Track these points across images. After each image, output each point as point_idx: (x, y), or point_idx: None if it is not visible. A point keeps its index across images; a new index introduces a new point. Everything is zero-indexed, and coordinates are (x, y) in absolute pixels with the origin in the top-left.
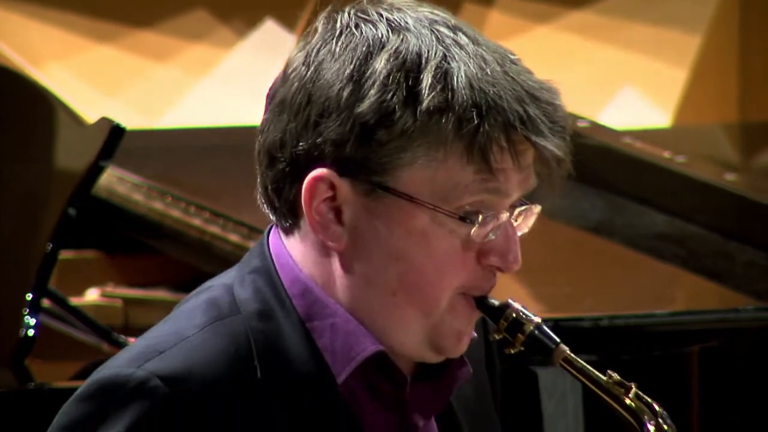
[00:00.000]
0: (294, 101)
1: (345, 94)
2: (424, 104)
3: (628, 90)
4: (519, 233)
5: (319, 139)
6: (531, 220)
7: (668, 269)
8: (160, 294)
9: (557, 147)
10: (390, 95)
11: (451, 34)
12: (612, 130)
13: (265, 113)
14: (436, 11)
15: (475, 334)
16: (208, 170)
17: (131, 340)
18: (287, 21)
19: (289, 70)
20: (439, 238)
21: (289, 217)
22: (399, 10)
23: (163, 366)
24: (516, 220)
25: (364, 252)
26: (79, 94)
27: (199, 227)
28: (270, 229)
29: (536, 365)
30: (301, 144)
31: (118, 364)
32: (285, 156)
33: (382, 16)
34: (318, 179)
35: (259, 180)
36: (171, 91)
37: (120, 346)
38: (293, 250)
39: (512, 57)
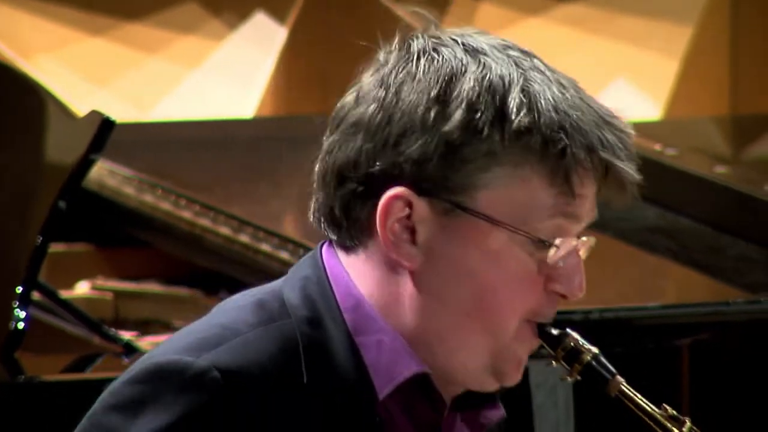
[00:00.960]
0: (372, 122)
1: (431, 114)
2: (513, 124)
3: (619, 82)
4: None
5: (399, 158)
6: (587, 251)
7: (659, 262)
8: (151, 287)
9: (633, 171)
10: (478, 114)
11: (527, 60)
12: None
13: (330, 135)
14: (501, 39)
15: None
16: (198, 163)
17: (122, 333)
18: (277, 14)
19: (362, 92)
20: (514, 259)
21: (357, 236)
22: (470, 36)
23: (222, 358)
24: (582, 249)
25: (437, 272)
26: (70, 86)
27: (189, 220)
28: (322, 244)
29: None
30: (378, 163)
31: (175, 351)
32: (358, 176)
33: (457, 41)
34: (395, 197)
35: (320, 200)
36: (162, 84)
37: (110, 339)
38: (351, 268)
39: (580, 87)
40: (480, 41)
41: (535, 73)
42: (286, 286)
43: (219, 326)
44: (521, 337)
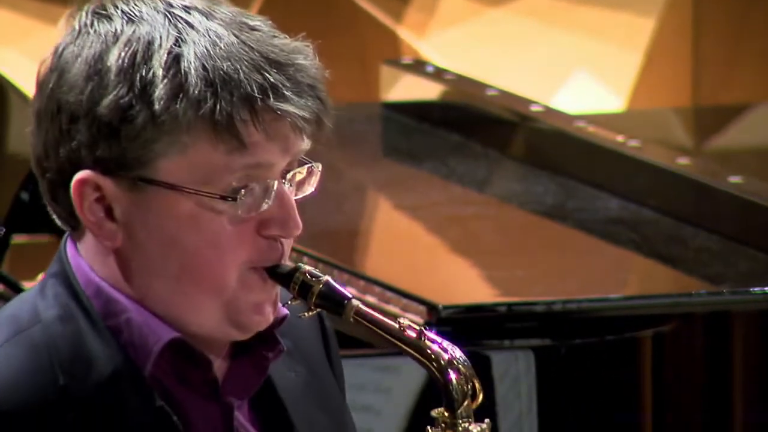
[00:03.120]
0: (48, 110)
1: (85, 96)
2: (157, 93)
3: (581, 74)
4: (302, 194)
5: (74, 144)
6: (314, 179)
7: (621, 253)
8: None
9: (305, 108)
10: (125, 91)
11: (184, 15)
12: (565, 114)
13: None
14: None
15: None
16: None
17: None
18: (240, 4)
19: (39, 78)
20: (207, 221)
21: (71, 222)
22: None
23: None
24: (291, 184)
25: (141, 245)
26: (31, 77)
27: None
28: (67, 234)
29: (488, 349)
30: (61, 151)
31: None
32: (51, 165)
33: (117, 8)
34: (81, 182)
35: (41, 190)
36: None
37: None
38: (84, 253)
39: (252, 23)
40: (142, 4)
41: (189, 30)
42: (38, 287)
43: None
44: (249, 286)
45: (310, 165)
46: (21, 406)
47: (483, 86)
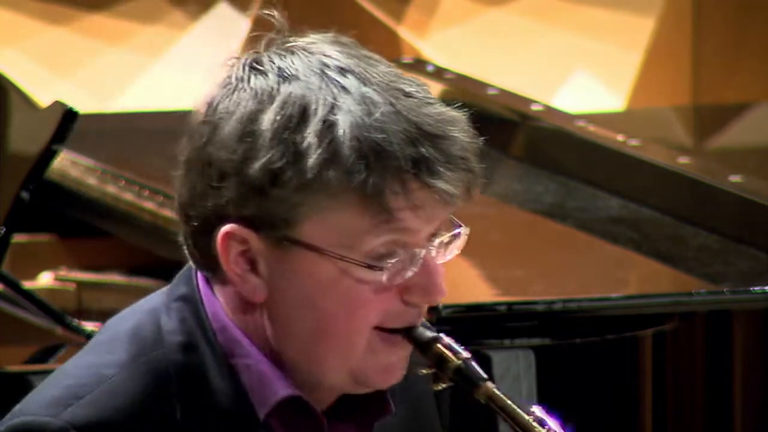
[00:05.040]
0: (198, 162)
1: (237, 156)
2: (309, 161)
3: (581, 73)
4: (447, 258)
5: (221, 199)
6: (460, 242)
7: (622, 252)
8: (114, 278)
9: (455, 182)
10: (278, 156)
11: (340, 78)
12: (565, 113)
13: (178, 170)
14: (329, 52)
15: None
16: (161, 154)
17: (85, 324)
18: (240, 4)
19: (192, 129)
20: (347, 286)
21: (211, 269)
22: (293, 53)
23: (81, 415)
24: (438, 251)
25: (281, 302)
26: (32, 76)
27: (152, 210)
28: None
29: (489, 348)
30: (208, 204)
31: (34, 410)
32: (196, 214)
33: (273, 63)
34: (228, 235)
35: (181, 232)
36: (125, 74)
37: (73, 330)
38: (217, 289)
39: (408, 90)
40: (298, 62)
41: (344, 96)
42: (163, 307)
43: (86, 369)
44: (380, 350)
45: (457, 230)
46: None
47: (483, 85)
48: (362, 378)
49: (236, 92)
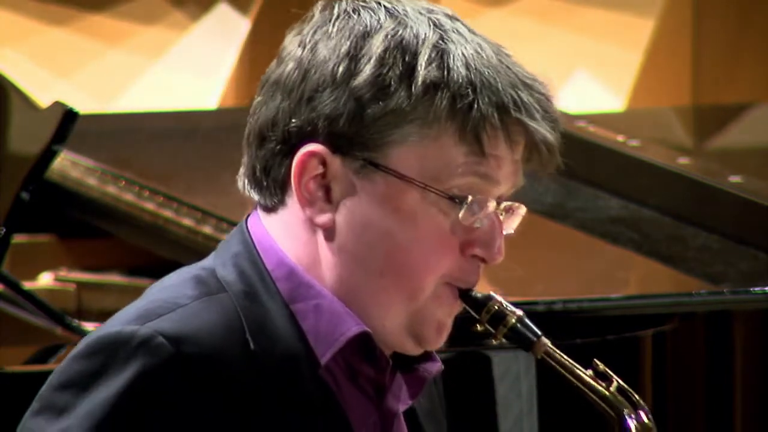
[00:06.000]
0: (288, 80)
1: (341, 69)
2: (419, 79)
3: (581, 74)
4: (506, 229)
5: (312, 114)
6: (516, 221)
7: (622, 253)
8: (114, 278)
9: (548, 133)
10: (386, 69)
11: (449, 22)
12: (566, 114)
13: (257, 96)
14: (431, 8)
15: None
16: (161, 154)
17: (85, 324)
18: (240, 5)
19: (284, 53)
20: (427, 217)
21: (276, 195)
22: (398, 1)
23: (166, 326)
24: (502, 214)
25: (351, 230)
26: (32, 77)
27: (152, 211)
28: (247, 217)
29: (488, 349)
30: (293, 121)
31: (118, 324)
32: (276, 134)
33: (380, 3)
34: (310, 154)
35: (245, 162)
36: (125, 75)
37: (73, 330)
38: (276, 232)
39: (507, 53)
40: (405, 5)
41: (453, 34)
42: (218, 264)
43: (158, 300)
44: (440, 300)
45: (517, 204)
46: (216, 351)
47: None
48: (418, 329)
49: (340, 19)
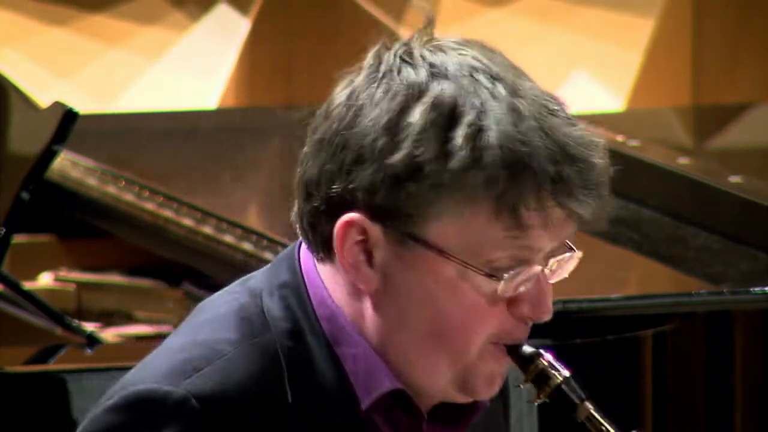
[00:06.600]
0: (332, 143)
1: (379, 144)
2: (454, 161)
3: (581, 74)
4: (557, 279)
5: (351, 185)
6: (571, 265)
7: (622, 253)
8: (114, 278)
9: (587, 206)
10: (421, 150)
11: (490, 85)
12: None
13: (306, 145)
14: (479, 56)
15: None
16: (161, 154)
17: (85, 324)
18: (240, 5)
19: (332, 108)
20: (466, 290)
21: (323, 251)
22: (443, 51)
23: (201, 385)
24: (552, 270)
25: (394, 296)
26: (32, 77)
27: (152, 211)
28: (300, 243)
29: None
30: (335, 187)
31: (154, 379)
32: (320, 194)
33: (424, 59)
34: (349, 224)
35: (296, 206)
36: (125, 75)
37: (73, 330)
38: (324, 276)
39: (553, 108)
40: (448, 60)
41: (493, 103)
42: (266, 292)
43: (200, 345)
44: (488, 358)
45: (571, 252)
46: (251, 408)
47: None
48: (469, 384)
49: (385, 80)
